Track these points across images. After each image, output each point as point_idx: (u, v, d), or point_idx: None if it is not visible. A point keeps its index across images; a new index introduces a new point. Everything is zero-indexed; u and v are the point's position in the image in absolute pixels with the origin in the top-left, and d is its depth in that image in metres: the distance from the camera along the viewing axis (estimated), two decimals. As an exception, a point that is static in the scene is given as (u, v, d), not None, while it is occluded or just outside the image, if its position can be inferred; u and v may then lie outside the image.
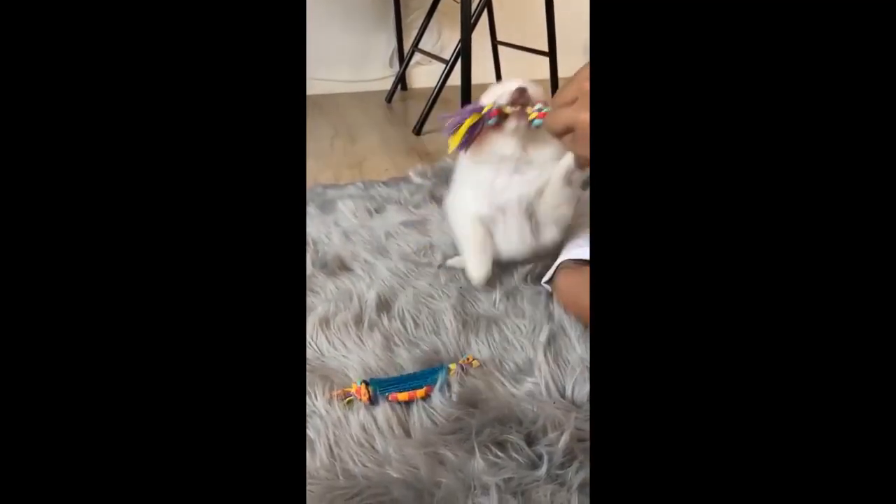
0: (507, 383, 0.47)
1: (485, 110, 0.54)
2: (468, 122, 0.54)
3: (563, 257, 0.58)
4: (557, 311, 0.56)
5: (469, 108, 0.55)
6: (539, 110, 0.52)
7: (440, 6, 1.55)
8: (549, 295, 0.60)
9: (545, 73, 1.48)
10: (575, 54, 1.96)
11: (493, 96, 0.56)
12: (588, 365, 0.48)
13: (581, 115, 0.40)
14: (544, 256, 0.63)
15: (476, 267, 0.60)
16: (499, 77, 1.77)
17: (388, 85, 1.72)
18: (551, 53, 1.46)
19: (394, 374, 0.49)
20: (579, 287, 0.55)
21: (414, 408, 0.45)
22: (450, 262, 0.68)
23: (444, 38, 1.81)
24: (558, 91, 0.43)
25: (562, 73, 1.48)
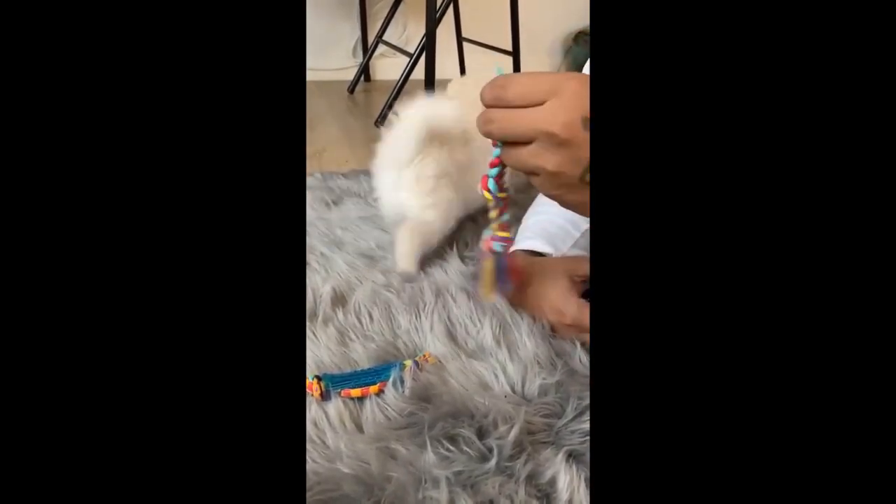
0: (460, 378, 0.48)
1: (492, 248, 0.45)
2: (488, 273, 0.47)
3: (512, 248, 0.60)
4: (507, 305, 0.57)
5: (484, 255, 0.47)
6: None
7: (406, -2, 1.54)
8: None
9: (508, 72, 1.49)
10: (538, 54, 2.00)
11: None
12: (538, 360, 0.49)
13: (541, 162, 0.35)
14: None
15: (402, 257, 0.64)
16: (463, 74, 1.77)
17: (350, 75, 1.69)
18: (515, 53, 1.48)
19: (348, 369, 0.49)
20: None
21: (367, 403, 0.45)
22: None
23: (409, 31, 1.80)
24: (513, 91, 0.35)
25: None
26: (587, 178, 0.35)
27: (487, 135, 0.37)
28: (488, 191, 0.43)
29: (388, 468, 0.38)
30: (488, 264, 0.47)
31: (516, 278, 0.48)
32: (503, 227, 0.46)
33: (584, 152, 0.34)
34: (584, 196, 0.36)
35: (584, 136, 0.33)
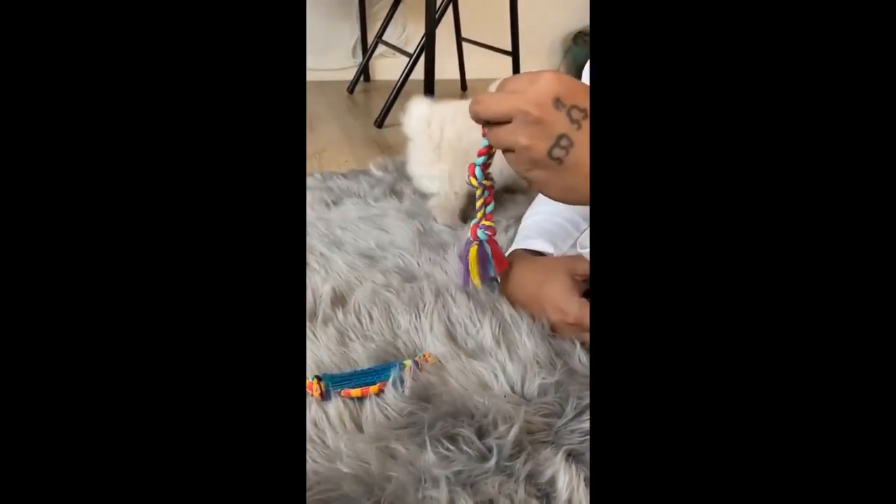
0: (460, 378, 0.48)
1: (471, 237, 0.51)
2: (472, 259, 0.52)
3: (512, 248, 0.60)
4: (507, 305, 0.57)
5: (464, 249, 0.53)
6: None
7: (405, -2, 1.54)
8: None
9: (507, 72, 1.50)
10: (538, 54, 2.00)
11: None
12: (538, 360, 0.49)
13: (516, 137, 0.40)
14: None
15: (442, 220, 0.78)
16: (462, 75, 1.77)
17: (350, 75, 1.69)
18: (514, 53, 1.48)
19: (348, 369, 0.49)
20: (523, 276, 0.56)
21: (367, 403, 0.45)
22: None
23: (408, 32, 1.80)
24: (505, 83, 0.42)
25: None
26: (555, 153, 0.40)
27: (475, 115, 0.43)
28: (474, 177, 0.48)
29: (388, 468, 0.38)
30: (473, 251, 0.52)
31: (500, 266, 0.53)
32: (488, 217, 0.51)
33: (553, 130, 0.39)
34: (550, 174, 0.41)
35: (553, 115, 0.39)
